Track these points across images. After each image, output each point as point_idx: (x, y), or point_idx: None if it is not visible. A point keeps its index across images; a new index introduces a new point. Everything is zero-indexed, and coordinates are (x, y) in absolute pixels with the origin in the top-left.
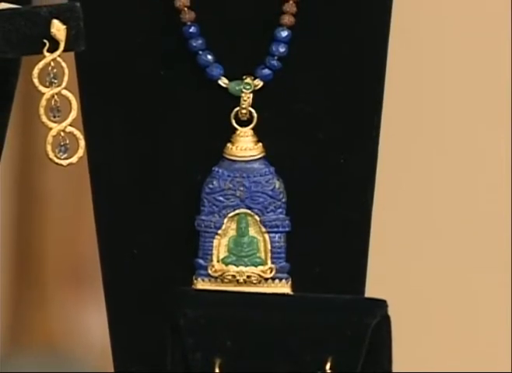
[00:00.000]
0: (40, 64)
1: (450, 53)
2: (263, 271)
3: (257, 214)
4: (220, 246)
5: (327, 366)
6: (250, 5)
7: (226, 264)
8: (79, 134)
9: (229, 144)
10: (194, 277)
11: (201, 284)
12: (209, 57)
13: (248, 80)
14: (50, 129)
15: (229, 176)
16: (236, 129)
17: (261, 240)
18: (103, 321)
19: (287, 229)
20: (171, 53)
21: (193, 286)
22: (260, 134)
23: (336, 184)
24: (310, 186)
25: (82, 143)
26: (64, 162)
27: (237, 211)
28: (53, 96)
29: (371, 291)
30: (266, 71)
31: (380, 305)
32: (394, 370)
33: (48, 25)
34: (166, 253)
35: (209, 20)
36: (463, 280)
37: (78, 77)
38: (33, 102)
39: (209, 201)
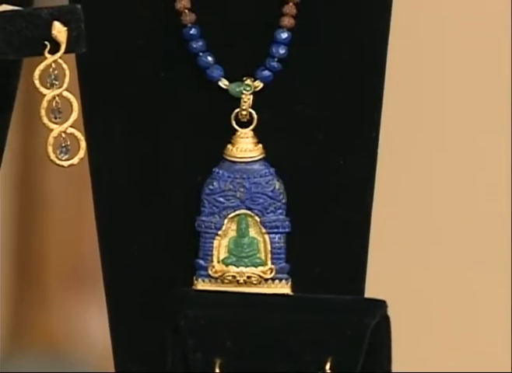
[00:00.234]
0: (41, 66)
1: (451, 54)
2: (263, 272)
3: (257, 214)
4: (220, 247)
5: (327, 366)
6: (251, 7)
7: (227, 265)
8: (80, 136)
9: (229, 146)
10: (194, 278)
11: (201, 285)
12: (210, 58)
13: (248, 81)
14: (52, 130)
15: (229, 177)
16: (236, 130)
17: (261, 241)
18: (104, 321)
19: (287, 230)
20: (172, 54)
21: (193, 287)
22: (260, 136)
23: (336, 185)
24: (310, 187)
25: (83, 144)
26: (66, 163)
27: (237, 212)
28: (54, 98)
29: (371, 291)
30: (266, 73)
31: (380, 305)
32: (393, 370)
33: (49, 27)
34: (166, 254)
35: (210, 22)
36: (463, 281)
37: (79, 78)
38: (34, 103)
39: (210, 202)
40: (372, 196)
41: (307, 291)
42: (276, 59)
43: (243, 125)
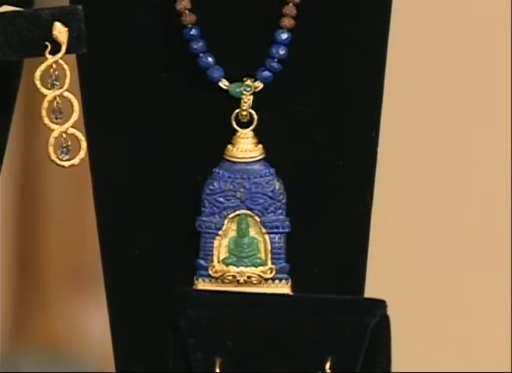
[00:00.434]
0: (42, 67)
1: (451, 54)
2: (263, 272)
3: (257, 215)
4: (221, 247)
5: (327, 366)
6: (251, 7)
7: (227, 265)
8: (81, 136)
9: (229, 146)
10: (195, 278)
11: (201, 285)
12: (210, 59)
13: (248, 82)
14: (52, 130)
15: (229, 177)
16: (236, 130)
17: (262, 241)
18: (105, 321)
19: (287, 230)
20: (172, 55)
21: (194, 286)
22: (260, 136)
23: (336, 185)
24: (310, 187)
25: (83, 144)
26: (66, 164)
27: (238, 212)
28: (55, 98)
29: (371, 291)
30: (266, 73)
31: (380, 305)
32: (393, 370)
33: (50, 27)
34: (167, 254)
35: (210, 23)
36: (463, 281)
37: (79, 79)
38: (35, 104)
39: (210, 202)
40: (372, 196)
41: (307, 291)
42: (276, 60)
43: (244, 125)
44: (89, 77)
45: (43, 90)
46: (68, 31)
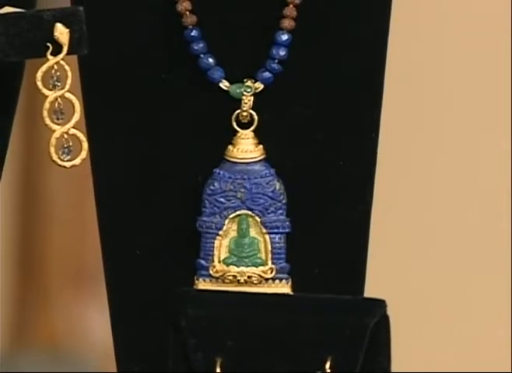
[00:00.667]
0: (44, 68)
1: (451, 54)
2: (263, 272)
3: (257, 215)
4: (221, 247)
5: (327, 365)
6: (251, 9)
7: (227, 265)
8: (82, 137)
9: (230, 146)
10: (195, 278)
11: (202, 285)
12: (210, 60)
13: (249, 83)
14: (54, 131)
15: (230, 177)
16: (237, 131)
17: (262, 241)
18: (106, 321)
19: (287, 230)
20: (173, 56)
21: (194, 286)
22: (260, 136)
23: (336, 185)
24: (310, 188)
25: (85, 145)
26: (68, 164)
27: (238, 212)
28: (56, 99)
29: (370, 290)
30: (267, 74)
31: (379, 304)
32: (393, 369)
33: (51, 28)
34: (167, 254)
35: (211, 24)
36: (462, 280)
37: (81, 80)
38: (36, 104)
39: (210, 202)
40: (371, 196)
41: (307, 291)
42: (276, 61)
43: (244, 126)
44: (90, 78)
45: (45, 91)
46: (70, 32)
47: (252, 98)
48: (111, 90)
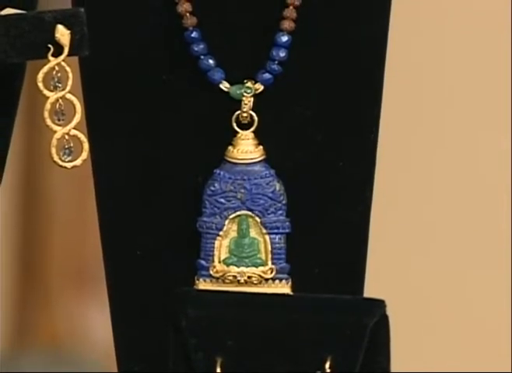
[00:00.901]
0: (45, 69)
1: (451, 54)
2: (263, 272)
3: (257, 215)
4: (221, 247)
5: (327, 365)
6: (251, 10)
7: (228, 265)
8: (83, 137)
9: (230, 147)
10: (195, 278)
11: (202, 285)
12: (211, 61)
13: (249, 84)
14: (55, 132)
15: (230, 178)
16: (237, 132)
17: (262, 241)
18: (107, 321)
19: (287, 231)
20: (173, 57)
21: (195, 286)
22: (260, 137)
23: (335, 186)
24: (310, 188)
25: (86, 146)
26: (69, 165)
27: (238, 213)
28: (57, 100)
29: (370, 290)
30: (267, 76)
31: (379, 304)
32: (392, 369)
33: (53, 30)
34: (168, 254)
35: (211, 25)
36: (462, 280)
37: (82, 81)
38: (37, 105)
39: (211, 203)
40: (371, 197)
41: (307, 291)
42: (277, 62)
43: (244, 127)
44: (91, 79)
45: (46, 92)
46: (71, 33)
47: (252, 99)
48: (112, 91)
